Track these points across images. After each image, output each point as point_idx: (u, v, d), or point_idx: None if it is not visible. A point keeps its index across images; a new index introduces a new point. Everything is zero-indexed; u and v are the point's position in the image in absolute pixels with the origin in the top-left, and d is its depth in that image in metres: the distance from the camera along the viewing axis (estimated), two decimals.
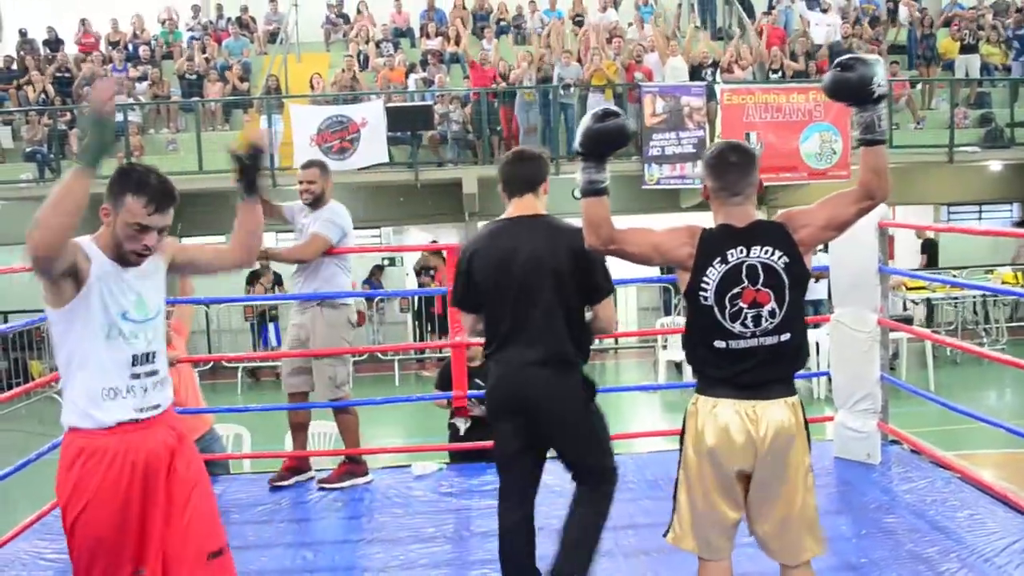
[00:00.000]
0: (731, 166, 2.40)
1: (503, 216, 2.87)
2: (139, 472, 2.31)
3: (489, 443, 4.93)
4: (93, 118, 2.20)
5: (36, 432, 7.57)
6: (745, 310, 2.34)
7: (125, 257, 2.32)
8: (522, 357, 2.71)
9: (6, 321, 11.65)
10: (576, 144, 2.39)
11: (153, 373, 2.39)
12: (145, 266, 2.39)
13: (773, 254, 2.35)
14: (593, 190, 2.37)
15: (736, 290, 2.34)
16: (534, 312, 2.70)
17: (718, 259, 2.35)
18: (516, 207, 2.84)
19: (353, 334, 4.34)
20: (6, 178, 11.70)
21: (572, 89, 11.64)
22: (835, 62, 2.35)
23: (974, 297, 11.48)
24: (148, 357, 2.38)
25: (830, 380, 4.59)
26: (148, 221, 2.27)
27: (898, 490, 3.85)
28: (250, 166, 2.60)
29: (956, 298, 11.32)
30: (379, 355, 11.47)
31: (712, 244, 2.37)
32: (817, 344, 8.83)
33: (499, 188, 2.90)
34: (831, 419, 4.53)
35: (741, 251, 2.35)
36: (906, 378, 8.14)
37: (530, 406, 2.70)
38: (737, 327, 2.35)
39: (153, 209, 2.27)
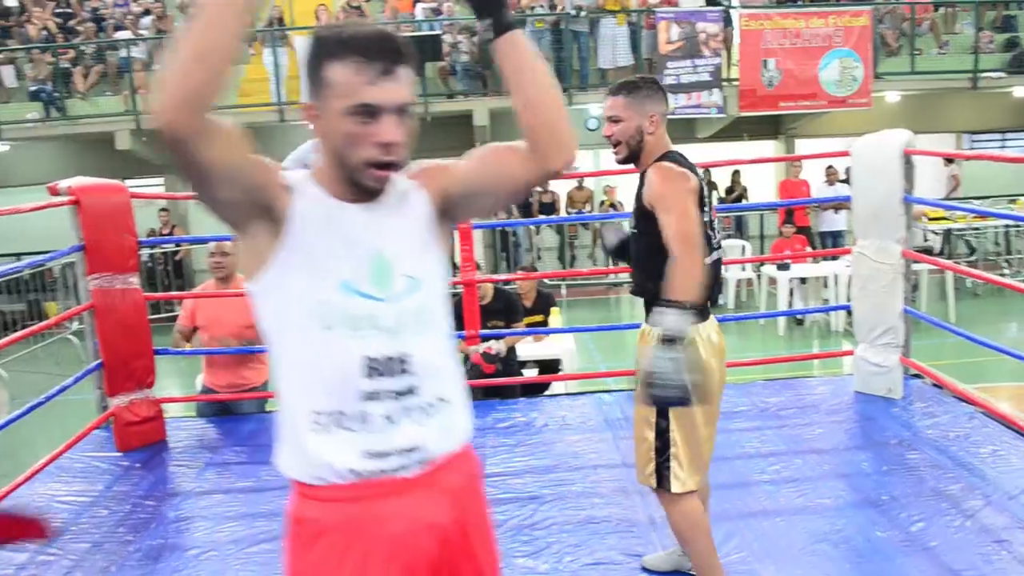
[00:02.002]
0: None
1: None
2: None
3: (506, 379, 4.94)
4: None
5: (54, 373, 7.63)
6: (713, 221, 2.43)
7: (359, 181, 1.35)
8: None
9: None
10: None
11: (409, 391, 1.38)
12: (389, 200, 1.41)
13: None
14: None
15: (707, 204, 2.40)
16: None
17: (695, 175, 2.35)
18: None
19: None
20: (12, 118, 11.49)
21: (583, 13, 11.30)
22: None
23: (996, 228, 11.28)
24: (398, 364, 1.37)
25: (849, 313, 4.49)
26: (373, 95, 1.30)
27: (920, 425, 3.78)
28: None
29: (977, 228, 11.11)
30: None
31: (689, 166, 2.36)
32: (836, 276, 8.73)
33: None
34: (851, 353, 4.45)
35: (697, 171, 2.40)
36: (926, 310, 8.03)
37: None
38: (715, 239, 2.41)
39: (375, 72, 1.30)
